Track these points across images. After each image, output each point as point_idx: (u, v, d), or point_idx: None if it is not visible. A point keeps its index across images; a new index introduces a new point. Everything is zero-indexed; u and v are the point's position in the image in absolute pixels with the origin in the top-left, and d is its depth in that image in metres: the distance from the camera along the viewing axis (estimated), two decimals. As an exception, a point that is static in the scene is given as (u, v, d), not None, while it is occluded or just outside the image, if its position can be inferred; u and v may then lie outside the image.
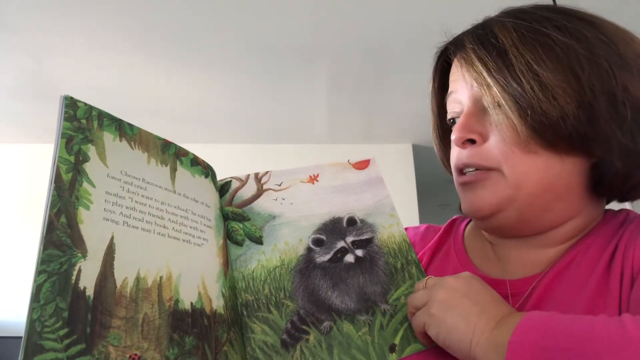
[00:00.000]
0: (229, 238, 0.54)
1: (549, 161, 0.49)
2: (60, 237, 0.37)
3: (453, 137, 0.54)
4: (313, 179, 0.60)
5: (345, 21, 1.96)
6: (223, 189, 0.57)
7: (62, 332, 0.34)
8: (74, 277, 0.36)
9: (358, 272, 0.54)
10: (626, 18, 0.59)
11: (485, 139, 0.52)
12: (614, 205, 0.58)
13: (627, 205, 0.60)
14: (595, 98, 0.47)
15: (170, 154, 0.51)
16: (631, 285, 0.45)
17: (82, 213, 0.39)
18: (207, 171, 0.55)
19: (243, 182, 0.58)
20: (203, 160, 0.55)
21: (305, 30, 2.01)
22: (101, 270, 0.38)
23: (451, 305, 0.43)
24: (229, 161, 2.68)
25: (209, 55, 2.16)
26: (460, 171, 0.55)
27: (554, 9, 0.54)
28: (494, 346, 0.39)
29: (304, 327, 0.49)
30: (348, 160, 0.63)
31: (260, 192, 0.58)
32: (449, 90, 0.58)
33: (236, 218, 0.55)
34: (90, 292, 0.37)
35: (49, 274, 0.35)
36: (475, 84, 0.52)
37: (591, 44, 0.49)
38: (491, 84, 0.50)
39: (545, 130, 0.48)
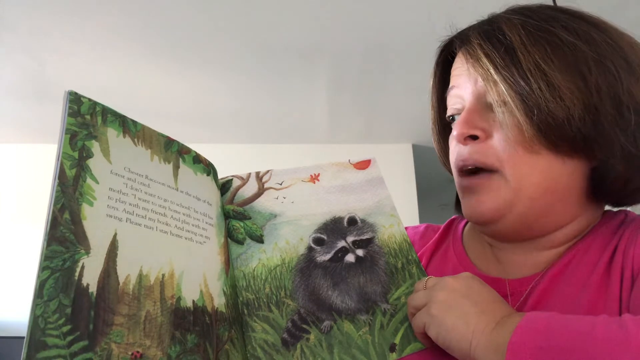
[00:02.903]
0: (230, 236, 0.54)
1: (551, 162, 0.49)
2: (64, 233, 0.36)
3: (454, 133, 0.53)
4: (314, 178, 0.60)
5: (346, 21, 1.96)
6: (224, 187, 0.57)
7: (65, 329, 0.34)
8: (77, 274, 0.36)
9: (358, 272, 0.54)
10: (626, 18, 0.59)
11: (487, 135, 0.51)
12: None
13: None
14: (601, 101, 0.47)
15: (173, 151, 0.51)
16: (631, 285, 0.45)
17: (86, 209, 0.39)
18: (209, 169, 0.55)
19: (244, 180, 0.58)
20: (205, 158, 0.55)
21: (305, 30, 2.01)
22: (104, 267, 0.38)
23: (451, 305, 0.43)
24: (229, 161, 2.68)
25: (210, 55, 2.16)
26: (461, 169, 0.55)
27: (560, 9, 0.53)
28: (494, 346, 0.38)
29: (305, 326, 0.49)
30: (349, 160, 0.62)
31: (261, 191, 0.58)
32: (450, 85, 0.57)
33: (237, 217, 0.55)
34: (93, 288, 0.36)
35: (53, 270, 0.35)
36: (480, 80, 0.52)
37: (599, 46, 0.49)
38: (498, 81, 0.49)
39: (550, 131, 0.47)
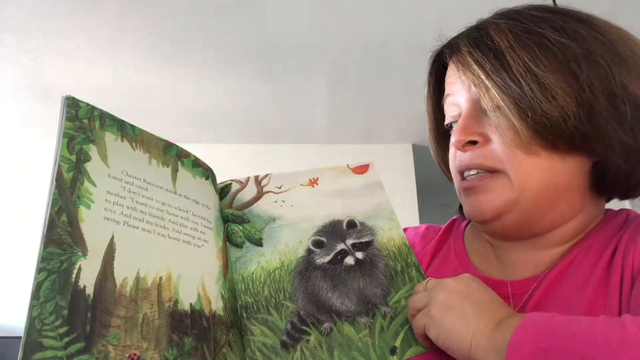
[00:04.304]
0: (229, 240, 0.54)
1: (551, 162, 0.49)
2: (61, 236, 0.37)
3: (453, 140, 0.54)
4: (313, 182, 0.60)
5: (345, 21, 1.96)
6: (223, 191, 0.57)
7: (61, 330, 0.34)
8: (74, 276, 0.36)
9: (358, 275, 0.54)
10: (626, 18, 0.58)
11: (486, 140, 0.52)
12: (615, 204, 0.58)
13: (626, 204, 0.60)
14: (594, 97, 0.47)
15: (172, 155, 0.51)
16: (631, 285, 0.45)
17: (83, 212, 0.39)
18: (208, 173, 0.55)
19: (243, 184, 0.59)
20: (204, 162, 0.55)
21: (305, 30, 2.01)
22: (101, 269, 0.38)
23: (451, 306, 0.43)
24: (229, 161, 2.68)
25: (209, 55, 2.16)
26: (462, 174, 0.55)
27: (548, 9, 0.54)
28: (494, 347, 0.38)
29: (304, 327, 0.49)
30: (347, 165, 0.63)
31: (260, 195, 0.58)
32: (445, 93, 0.58)
33: (236, 220, 0.56)
34: (90, 290, 0.37)
35: (49, 272, 0.35)
36: (473, 87, 0.52)
37: (588, 42, 0.49)
38: (489, 86, 0.49)
39: (546, 131, 0.48)
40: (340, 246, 0.55)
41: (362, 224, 0.57)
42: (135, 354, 0.37)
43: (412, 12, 1.91)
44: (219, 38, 2.04)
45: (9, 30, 1.92)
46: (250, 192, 0.58)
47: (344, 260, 0.54)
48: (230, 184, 0.58)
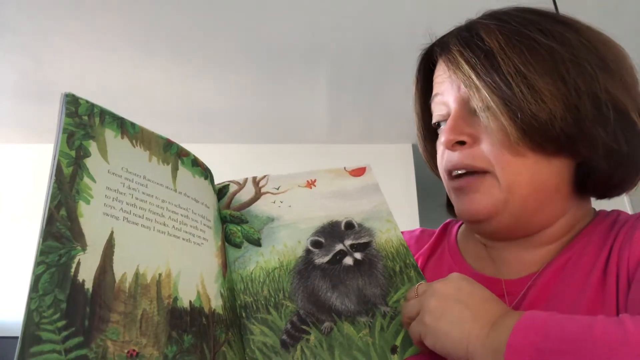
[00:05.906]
0: (227, 241, 0.54)
1: (537, 163, 0.50)
2: (60, 230, 0.36)
3: (442, 139, 0.54)
4: (310, 183, 0.60)
5: (345, 21, 1.96)
6: (221, 192, 0.57)
7: (60, 324, 0.33)
8: (72, 270, 0.36)
9: (357, 275, 0.54)
10: (626, 18, 0.59)
11: (475, 140, 0.52)
12: (611, 204, 0.58)
13: (626, 205, 0.60)
14: (580, 100, 0.48)
15: (172, 153, 0.51)
16: (628, 286, 0.45)
17: (82, 207, 0.39)
18: (206, 173, 0.55)
19: (241, 185, 0.59)
20: (202, 162, 0.56)
21: (305, 30, 2.01)
22: (100, 264, 0.38)
23: (443, 313, 0.42)
24: (229, 161, 2.68)
25: (209, 55, 2.16)
26: (450, 173, 0.55)
27: (534, 11, 0.55)
28: (492, 350, 0.38)
29: (304, 327, 0.49)
30: (344, 168, 0.63)
31: (258, 195, 0.58)
32: (434, 92, 0.58)
33: (234, 221, 0.56)
34: (89, 285, 0.36)
35: (48, 265, 0.35)
36: (463, 86, 0.53)
37: (574, 47, 0.50)
38: (480, 86, 0.50)
39: (534, 132, 0.48)
40: (339, 247, 0.55)
41: (360, 225, 0.58)
42: (134, 350, 0.37)
43: (412, 12, 1.91)
44: (219, 38, 2.04)
45: (9, 30, 1.92)
46: (248, 193, 0.58)
47: (343, 261, 0.54)
48: (228, 185, 0.59)
